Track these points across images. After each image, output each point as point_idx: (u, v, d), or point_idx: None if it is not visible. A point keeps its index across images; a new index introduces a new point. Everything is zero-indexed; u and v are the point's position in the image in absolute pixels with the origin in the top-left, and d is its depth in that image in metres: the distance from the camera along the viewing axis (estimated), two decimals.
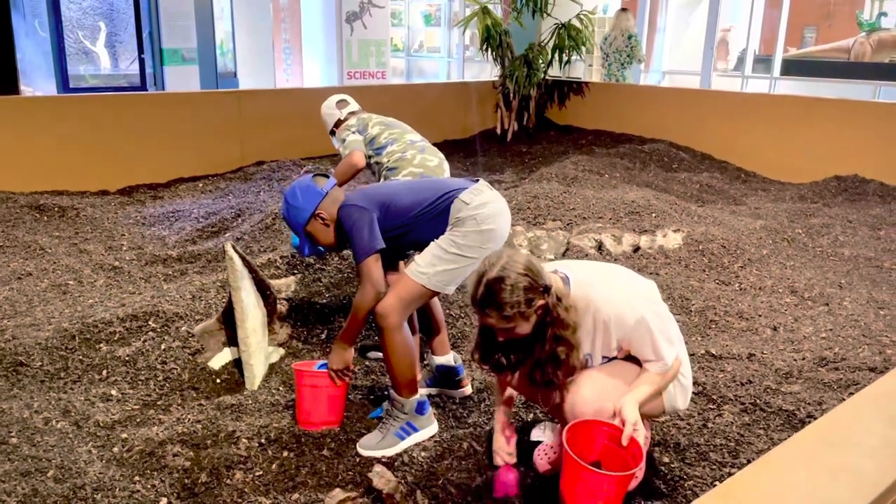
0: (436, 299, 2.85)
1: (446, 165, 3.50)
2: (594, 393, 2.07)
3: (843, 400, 2.76)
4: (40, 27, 9.12)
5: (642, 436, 1.96)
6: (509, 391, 2.34)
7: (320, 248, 2.65)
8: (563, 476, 1.95)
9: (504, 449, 2.22)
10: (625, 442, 1.94)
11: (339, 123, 3.78)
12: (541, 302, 1.96)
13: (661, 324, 2.06)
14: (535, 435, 2.54)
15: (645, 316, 2.02)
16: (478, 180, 2.59)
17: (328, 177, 2.61)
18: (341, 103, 3.84)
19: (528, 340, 2.05)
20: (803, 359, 3.15)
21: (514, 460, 2.22)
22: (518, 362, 2.15)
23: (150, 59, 9.64)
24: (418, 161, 3.36)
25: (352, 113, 3.78)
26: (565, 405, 2.10)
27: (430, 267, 2.45)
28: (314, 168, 6.32)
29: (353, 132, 3.62)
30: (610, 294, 2.06)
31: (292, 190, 2.56)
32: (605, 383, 2.08)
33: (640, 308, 2.04)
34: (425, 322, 2.94)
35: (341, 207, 2.51)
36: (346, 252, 3.96)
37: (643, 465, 1.91)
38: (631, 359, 2.13)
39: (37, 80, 9.28)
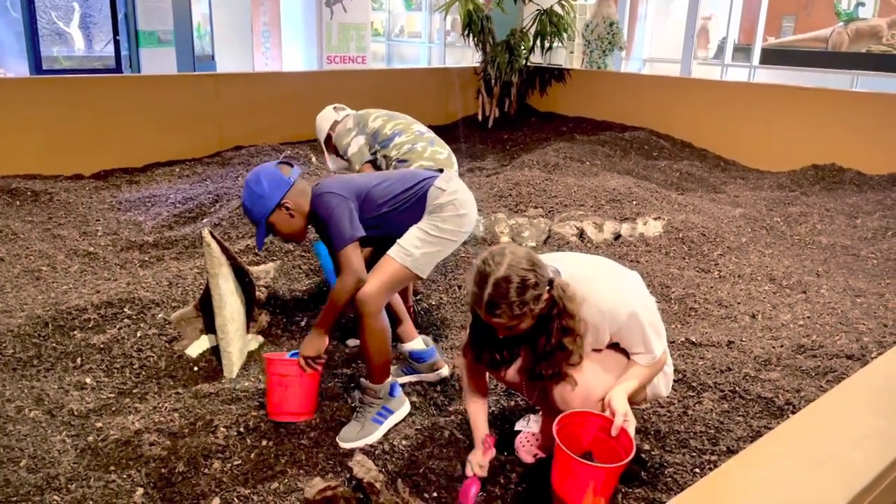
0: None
1: (454, 159, 3.35)
2: (583, 383, 2.06)
3: (821, 387, 2.79)
4: (12, 7, 8.90)
5: (633, 426, 1.96)
6: (481, 386, 2.28)
7: (283, 238, 2.59)
8: (554, 468, 1.95)
9: (478, 462, 2.14)
10: (614, 433, 1.94)
11: (334, 125, 3.55)
12: (546, 296, 1.93)
13: (651, 317, 2.07)
14: (520, 426, 2.53)
15: (637, 310, 2.02)
16: (442, 170, 2.64)
17: (292, 165, 2.54)
18: (337, 108, 3.62)
19: (528, 334, 2.02)
20: (781, 346, 3.18)
21: (484, 474, 2.16)
22: (513, 356, 2.14)
23: (126, 41, 9.47)
24: (429, 154, 3.22)
25: (348, 115, 3.56)
26: (555, 395, 2.09)
27: (414, 249, 2.47)
28: (294, 153, 6.25)
29: (355, 135, 3.39)
30: (602, 288, 2.04)
31: (256, 177, 2.46)
32: (594, 373, 2.08)
33: (632, 302, 2.04)
34: (388, 313, 2.90)
35: (318, 195, 2.47)
36: None
37: (634, 452, 1.91)
38: (614, 347, 2.13)
39: (9, 62, 9.08)
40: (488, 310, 1.90)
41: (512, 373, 2.21)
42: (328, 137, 3.58)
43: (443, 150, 3.30)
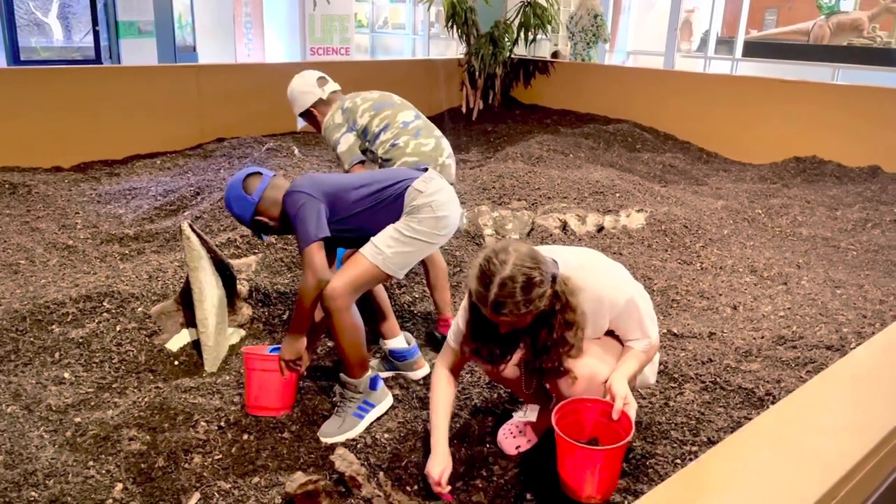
0: (380, 284, 2.81)
1: (445, 143, 3.22)
2: (587, 365, 2.07)
3: (801, 378, 2.81)
4: None
5: (633, 409, 1.97)
6: (454, 390, 2.23)
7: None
8: (558, 457, 1.96)
9: (445, 489, 2.08)
10: (615, 416, 1.95)
11: (318, 104, 3.27)
12: (550, 292, 1.93)
13: (645, 303, 2.10)
14: (518, 416, 2.53)
15: (633, 296, 2.05)
16: (427, 169, 2.60)
17: (261, 174, 2.53)
18: (322, 80, 3.32)
19: (529, 328, 2.02)
20: (762, 337, 3.20)
21: (448, 490, 2.10)
22: (512, 350, 2.14)
23: (105, 31, 9.35)
24: (412, 148, 3.09)
25: (334, 93, 3.30)
26: (559, 384, 2.09)
27: (386, 248, 2.43)
28: (276, 146, 6.20)
29: (344, 132, 3.19)
30: (598, 276, 2.06)
31: (227, 197, 2.55)
32: (597, 356, 2.09)
33: (628, 289, 2.06)
34: (371, 308, 2.88)
35: (287, 193, 2.47)
36: None
37: (633, 433, 1.92)
38: (608, 334, 2.15)
39: None
40: (494, 309, 1.89)
41: (510, 368, 2.20)
42: (307, 111, 3.31)
43: (428, 141, 3.16)
